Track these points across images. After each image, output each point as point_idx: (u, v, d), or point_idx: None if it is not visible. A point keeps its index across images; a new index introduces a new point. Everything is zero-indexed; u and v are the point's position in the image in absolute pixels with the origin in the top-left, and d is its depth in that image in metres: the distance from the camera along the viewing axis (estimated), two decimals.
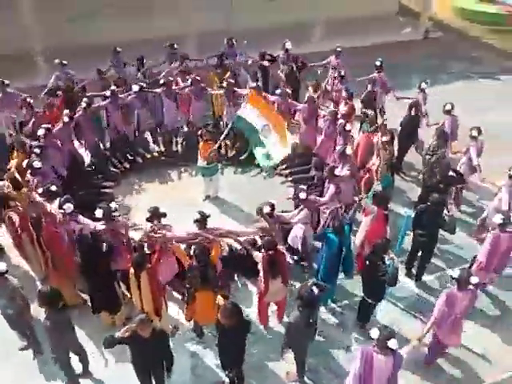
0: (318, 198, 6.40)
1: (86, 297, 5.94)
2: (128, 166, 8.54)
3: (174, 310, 5.97)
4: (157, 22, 12.34)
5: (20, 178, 6.41)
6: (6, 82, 8.30)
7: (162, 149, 9.06)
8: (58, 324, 4.54)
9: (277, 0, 13.50)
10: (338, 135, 7.63)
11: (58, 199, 5.77)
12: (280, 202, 6.54)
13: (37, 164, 6.37)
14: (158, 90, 8.51)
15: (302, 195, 5.89)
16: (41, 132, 7.04)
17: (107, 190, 7.97)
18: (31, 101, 8.02)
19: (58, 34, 11.50)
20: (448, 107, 7.72)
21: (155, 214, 5.64)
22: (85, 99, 8.02)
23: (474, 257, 6.06)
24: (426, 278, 6.62)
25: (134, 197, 8.08)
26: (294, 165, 8.37)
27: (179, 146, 8.97)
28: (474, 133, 7.05)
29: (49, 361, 5.07)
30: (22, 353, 5.53)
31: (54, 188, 6.01)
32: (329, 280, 5.85)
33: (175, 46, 9.86)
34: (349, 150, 6.76)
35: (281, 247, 5.29)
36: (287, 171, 8.39)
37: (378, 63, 9.12)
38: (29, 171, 6.41)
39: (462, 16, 16.91)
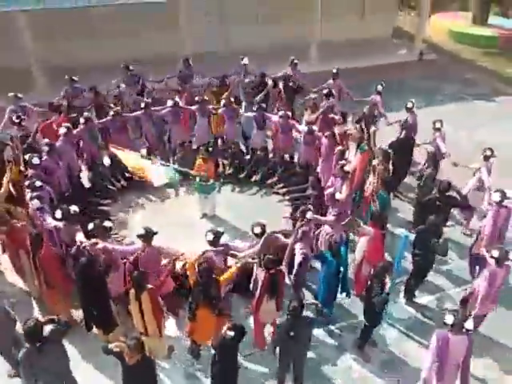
0: (323, 218, 6.38)
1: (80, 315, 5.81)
2: (125, 183, 8.52)
3: (171, 330, 5.90)
4: (155, 41, 12.52)
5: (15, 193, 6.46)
6: (19, 95, 8.40)
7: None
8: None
9: (274, 21, 13.79)
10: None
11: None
12: (277, 221, 6.55)
13: (36, 160, 6.44)
14: (193, 108, 8.71)
15: (309, 215, 5.82)
16: (45, 148, 7.09)
17: (104, 208, 7.93)
18: (24, 117, 8.05)
19: (57, 52, 11.65)
20: (438, 125, 7.96)
21: (147, 235, 5.53)
22: (85, 114, 8.10)
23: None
24: (425, 298, 6.59)
25: (131, 215, 8.04)
26: (290, 184, 8.40)
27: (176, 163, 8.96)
28: (488, 152, 7.20)
29: None
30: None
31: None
32: (327, 301, 5.84)
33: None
34: (347, 168, 6.80)
35: (282, 267, 5.25)
36: (284, 190, 8.41)
37: (379, 88, 9.27)
38: (27, 186, 6.40)
39: (455, 39, 17.30)
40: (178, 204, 8.41)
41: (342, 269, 5.78)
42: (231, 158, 8.99)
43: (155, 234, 5.52)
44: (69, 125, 7.79)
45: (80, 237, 5.65)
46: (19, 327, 5.18)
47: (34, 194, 6.18)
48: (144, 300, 4.90)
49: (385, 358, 5.77)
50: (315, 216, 6.08)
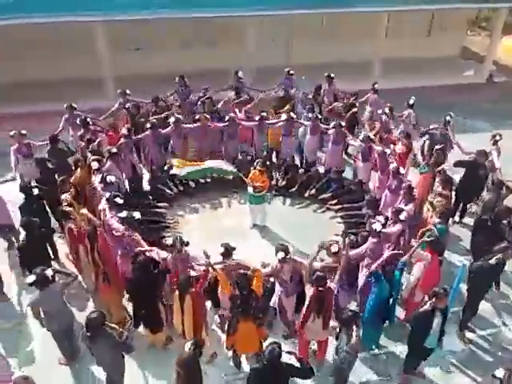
0: (391, 230, 6.07)
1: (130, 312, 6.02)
2: (182, 189, 8.78)
3: (216, 336, 5.95)
4: (217, 54, 12.88)
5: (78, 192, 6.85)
6: (74, 105, 8.85)
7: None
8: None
9: (338, 36, 13.77)
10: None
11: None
12: (328, 238, 6.42)
13: (110, 179, 6.73)
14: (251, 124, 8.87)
15: (377, 226, 5.65)
16: (113, 150, 7.53)
17: (160, 210, 8.20)
18: (90, 121, 8.47)
19: (125, 62, 12.32)
20: (497, 137, 7.79)
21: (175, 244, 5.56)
22: (151, 119, 8.46)
23: None
24: (478, 333, 6.22)
25: (182, 220, 8.25)
26: (344, 200, 8.26)
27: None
28: (498, 137, 7.32)
29: None
30: None
31: (119, 200, 6.29)
32: (374, 325, 5.65)
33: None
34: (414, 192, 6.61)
35: (332, 285, 5.13)
36: (337, 207, 8.28)
37: (411, 101, 9.24)
38: (101, 185, 6.76)
39: None
40: (230, 212, 8.53)
41: (393, 293, 5.59)
42: (284, 171, 9.03)
43: (186, 244, 5.59)
44: (129, 127, 8.20)
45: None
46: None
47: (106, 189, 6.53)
48: (186, 303, 5.02)
49: None
50: (384, 230, 5.84)
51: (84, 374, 5.59)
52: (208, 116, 8.85)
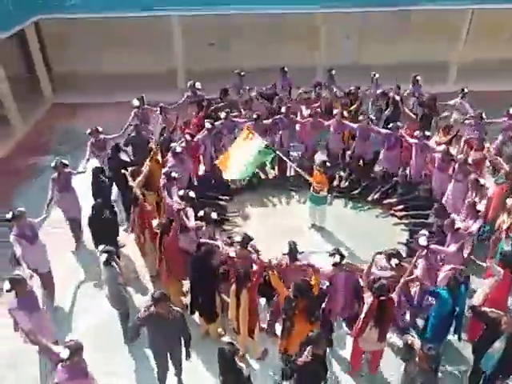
0: (441, 247, 5.83)
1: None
2: (244, 183, 8.90)
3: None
4: (286, 51, 12.82)
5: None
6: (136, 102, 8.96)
7: (277, 172, 9.26)
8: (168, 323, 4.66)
9: (413, 39, 13.20)
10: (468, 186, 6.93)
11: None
12: (390, 245, 6.18)
13: (174, 174, 6.88)
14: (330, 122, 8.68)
15: (422, 241, 5.43)
16: (187, 138, 7.83)
17: (221, 203, 8.36)
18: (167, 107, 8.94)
19: (199, 57, 12.64)
20: None
21: (245, 241, 5.60)
22: (225, 110, 8.64)
23: None
24: None
25: (243, 215, 8.34)
26: (411, 207, 7.87)
27: (292, 171, 9.03)
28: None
29: None
30: None
31: (192, 194, 6.48)
32: (435, 341, 5.35)
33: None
34: (480, 206, 6.16)
35: (394, 296, 4.92)
36: (403, 213, 7.94)
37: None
38: (165, 178, 6.93)
39: None
40: (290, 211, 8.51)
41: (457, 309, 5.26)
42: (349, 172, 8.82)
43: (251, 239, 5.63)
44: (212, 121, 8.35)
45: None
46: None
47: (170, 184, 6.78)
48: (243, 297, 5.06)
49: None
50: (433, 246, 5.64)
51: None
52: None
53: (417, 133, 8.00)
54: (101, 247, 5.60)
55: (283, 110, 8.71)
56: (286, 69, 10.41)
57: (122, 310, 5.74)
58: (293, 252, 5.51)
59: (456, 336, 5.52)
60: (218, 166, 8.10)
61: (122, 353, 5.85)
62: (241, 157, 7.65)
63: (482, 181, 6.75)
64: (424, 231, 5.94)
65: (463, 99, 9.28)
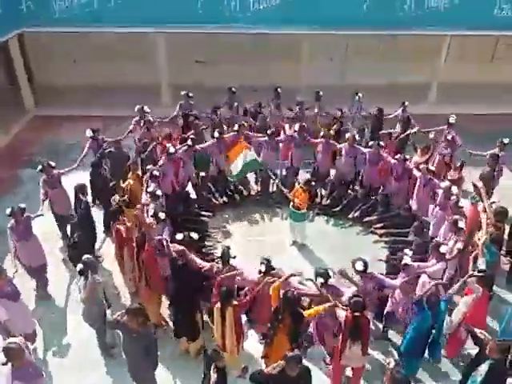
0: (421, 264, 5.86)
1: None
2: (226, 200, 8.88)
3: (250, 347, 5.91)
4: (272, 70, 13.01)
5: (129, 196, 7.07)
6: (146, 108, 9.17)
7: (259, 188, 9.28)
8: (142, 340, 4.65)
9: (393, 59, 13.55)
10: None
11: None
12: (370, 262, 6.22)
13: (156, 173, 7.05)
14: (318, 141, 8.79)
15: (406, 260, 5.50)
16: (171, 150, 7.78)
17: (203, 219, 8.33)
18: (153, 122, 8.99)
19: (184, 73, 12.73)
20: None
21: (225, 257, 5.62)
22: (217, 130, 8.63)
23: None
24: None
25: (224, 231, 8.31)
26: (391, 225, 8.02)
27: (275, 187, 9.07)
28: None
29: None
30: None
31: (162, 215, 6.37)
32: (410, 357, 5.38)
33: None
34: (462, 224, 6.28)
35: (368, 313, 4.97)
36: (382, 231, 8.05)
37: (451, 119, 8.93)
38: (149, 179, 7.11)
39: None
40: (272, 227, 8.52)
41: (436, 327, 5.32)
42: (330, 189, 8.90)
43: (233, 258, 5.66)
44: (193, 137, 8.41)
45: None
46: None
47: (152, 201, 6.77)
48: (228, 316, 5.01)
49: None
50: (415, 263, 5.70)
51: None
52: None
53: (398, 156, 8.07)
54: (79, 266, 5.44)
55: (296, 127, 8.76)
56: (279, 90, 10.46)
57: (97, 326, 5.62)
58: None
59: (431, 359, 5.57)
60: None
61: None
62: (239, 159, 8.29)
63: (460, 203, 6.79)
64: (407, 250, 6.00)
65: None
